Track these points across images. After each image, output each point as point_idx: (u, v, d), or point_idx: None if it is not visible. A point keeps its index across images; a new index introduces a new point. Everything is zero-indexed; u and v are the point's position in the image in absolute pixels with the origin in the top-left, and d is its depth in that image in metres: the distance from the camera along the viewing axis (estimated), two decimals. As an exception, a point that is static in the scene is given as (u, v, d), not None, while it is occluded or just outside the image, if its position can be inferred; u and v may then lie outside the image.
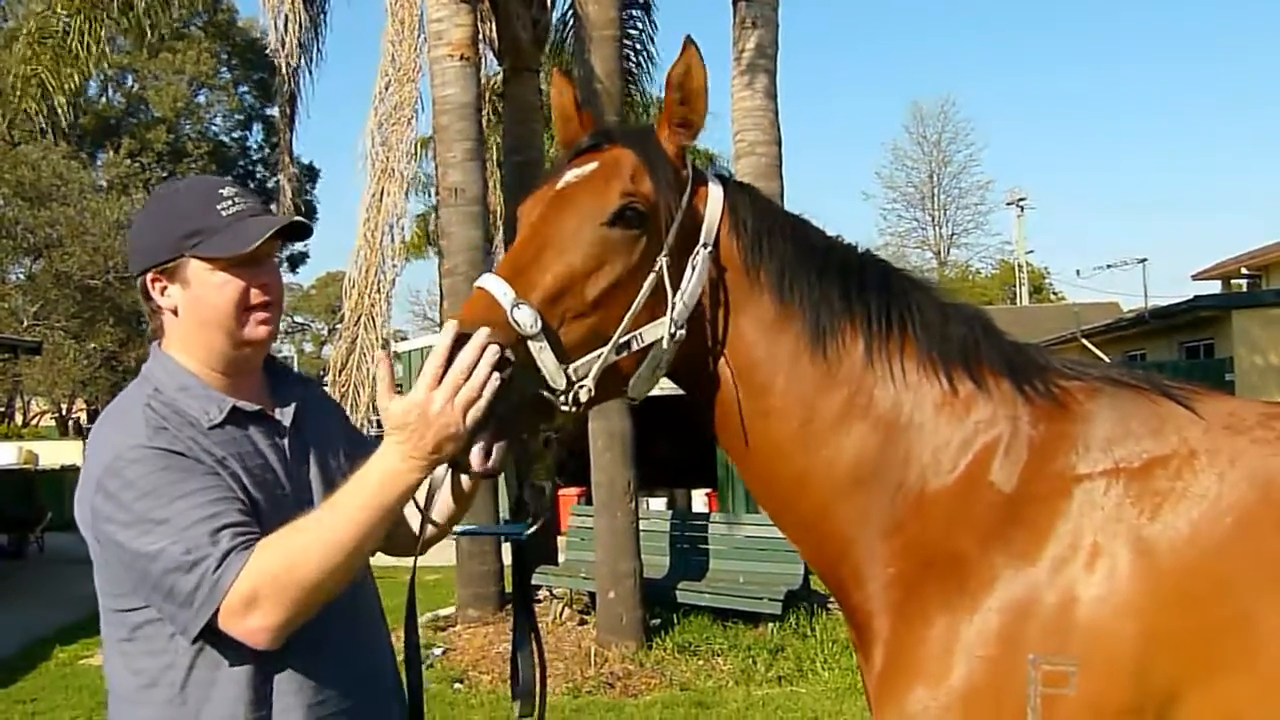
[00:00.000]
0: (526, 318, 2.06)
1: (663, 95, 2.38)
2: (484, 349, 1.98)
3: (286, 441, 2.38)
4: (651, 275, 2.18)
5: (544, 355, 2.08)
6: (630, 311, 2.16)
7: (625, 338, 2.16)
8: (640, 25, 16.78)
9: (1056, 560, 2.03)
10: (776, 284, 2.24)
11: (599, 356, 2.14)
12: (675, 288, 2.20)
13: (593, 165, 2.27)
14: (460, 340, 1.99)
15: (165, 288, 2.29)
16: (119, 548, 2.13)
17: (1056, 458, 2.13)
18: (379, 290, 12.58)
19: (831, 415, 2.21)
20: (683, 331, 2.20)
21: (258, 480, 2.25)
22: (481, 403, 1.97)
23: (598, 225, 2.18)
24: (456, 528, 2.42)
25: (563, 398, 2.11)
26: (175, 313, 2.30)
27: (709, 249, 2.24)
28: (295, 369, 2.54)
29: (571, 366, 2.11)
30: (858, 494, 2.20)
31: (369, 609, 2.48)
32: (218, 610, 2.05)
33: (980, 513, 2.11)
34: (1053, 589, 2.02)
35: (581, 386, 2.12)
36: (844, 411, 2.21)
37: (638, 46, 16.85)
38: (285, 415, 2.41)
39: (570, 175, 2.27)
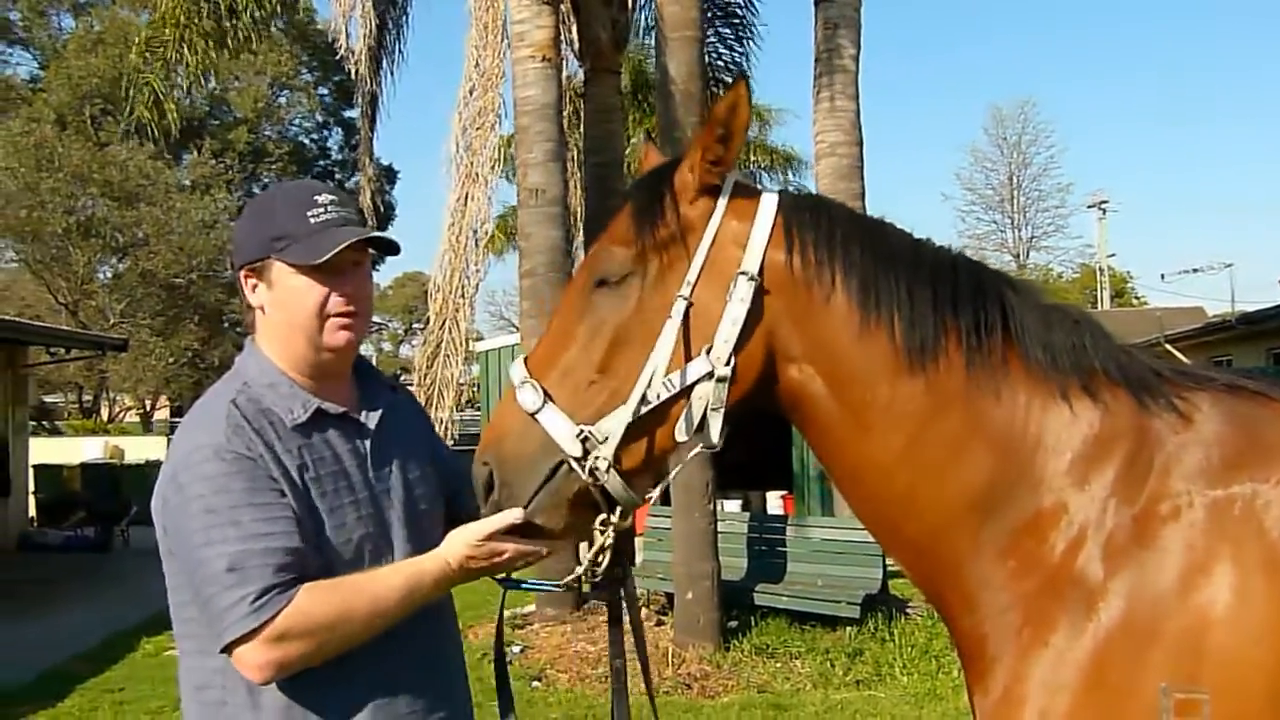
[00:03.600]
0: (529, 397, 2.13)
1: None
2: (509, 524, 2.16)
3: (369, 445, 2.39)
4: (666, 320, 2.11)
5: (552, 423, 2.11)
6: (645, 363, 2.10)
7: (647, 390, 2.09)
8: (740, 15, 16.36)
9: (1185, 583, 1.93)
10: (859, 299, 2.11)
11: (619, 412, 2.10)
12: (706, 323, 2.11)
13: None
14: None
15: (255, 285, 2.35)
16: (181, 542, 2.19)
17: (1182, 474, 2.01)
18: (463, 295, 12.71)
19: (940, 436, 2.09)
20: (728, 369, 2.09)
21: (327, 488, 2.28)
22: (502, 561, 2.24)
23: (588, 291, 2.20)
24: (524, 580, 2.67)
25: (588, 463, 2.11)
26: (264, 310, 2.36)
27: (750, 276, 2.10)
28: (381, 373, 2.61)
29: (592, 428, 2.10)
30: (971, 518, 2.08)
31: (447, 652, 2.53)
32: (241, 637, 2.10)
33: (1102, 533, 2.01)
34: (1182, 613, 1.92)
35: (601, 448, 2.10)
36: (953, 433, 2.09)
37: (739, 35, 16.41)
38: (371, 419, 2.42)
39: None
